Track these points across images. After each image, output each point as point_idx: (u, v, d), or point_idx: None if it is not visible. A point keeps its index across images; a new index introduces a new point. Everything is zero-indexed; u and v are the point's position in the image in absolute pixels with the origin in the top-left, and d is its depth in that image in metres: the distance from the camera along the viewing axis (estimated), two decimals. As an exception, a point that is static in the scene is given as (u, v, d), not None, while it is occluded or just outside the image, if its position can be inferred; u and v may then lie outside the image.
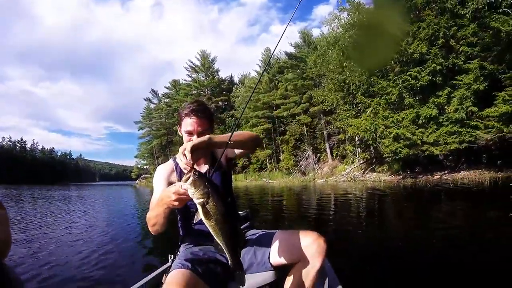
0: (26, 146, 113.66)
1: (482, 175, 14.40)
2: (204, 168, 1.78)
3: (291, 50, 39.98)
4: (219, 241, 1.25)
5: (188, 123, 1.65)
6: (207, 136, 1.44)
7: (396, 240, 4.86)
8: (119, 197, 21.12)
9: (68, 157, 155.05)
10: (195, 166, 1.31)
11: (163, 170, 1.79)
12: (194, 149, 1.32)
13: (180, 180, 1.62)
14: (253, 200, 13.75)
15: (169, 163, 1.84)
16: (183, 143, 1.61)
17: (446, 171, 16.81)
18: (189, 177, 1.17)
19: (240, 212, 2.06)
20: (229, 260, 1.34)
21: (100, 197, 20.22)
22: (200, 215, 1.20)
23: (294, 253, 1.54)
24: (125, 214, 11.13)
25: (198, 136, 1.62)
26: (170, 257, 1.88)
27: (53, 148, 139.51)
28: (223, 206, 1.22)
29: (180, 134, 1.75)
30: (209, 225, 1.22)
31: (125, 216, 10.27)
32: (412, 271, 3.22)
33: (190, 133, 1.66)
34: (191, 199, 1.20)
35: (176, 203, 1.28)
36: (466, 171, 15.75)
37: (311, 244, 1.51)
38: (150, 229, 1.55)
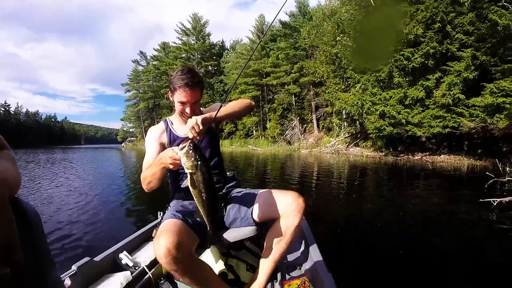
0: (10, 109, 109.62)
1: (461, 161, 14.86)
2: None
3: (286, 18, 39.06)
4: (199, 208, 1.37)
5: (182, 95, 1.75)
6: (211, 114, 1.61)
7: (371, 211, 5.36)
8: (106, 160, 21.04)
9: (53, 120, 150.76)
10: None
11: (154, 132, 1.92)
12: (203, 124, 1.48)
13: (170, 141, 1.89)
14: (238, 166, 14.08)
15: (160, 125, 1.97)
16: (170, 106, 1.89)
17: (427, 153, 17.30)
18: (184, 147, 1.30)
19: (227, 173, 2.16)
20: (207, 225, 1.44)
21: (87, 160, 20.12)
22: (188, 182, 1.31)
23: (275, 210, 1.65)
24: (113, 176, 11.31)
25: (191, 106, 1.79)
26: (160, 213, 1.98)
27: (38, 111, 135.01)
28: (209, 179, 1.33)
29: (171, 100, 1.87)
30: (193, 193, 1.33)
31: (113, 178, 10.44)
32: (382, 240, 3.63)
33: (183, 103, 1.78)
34: None
35: (171, 166, 1.41)
36: (447, 155, 16.20)
37: (291, 203, 1.61)
38: (144, 187, 1.67)
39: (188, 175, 1.31)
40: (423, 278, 2.62)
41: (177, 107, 1.82)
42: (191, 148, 1.30)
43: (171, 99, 1.87)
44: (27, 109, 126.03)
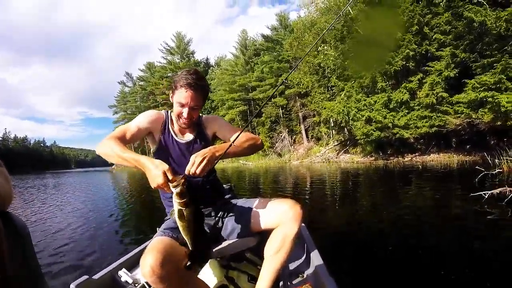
0: None
1: (451, 158, 15.04)
2: (189, 137, 1.85)
3: (268, 32, 39.82)
4: (184, 237, 1.39)
5: (182, 96, 1.65)
6: (218, 152, 1.51)
7: (366, 215, 5.26)
8: (99, 183, 20.88)
9: (42, 145, 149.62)
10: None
11: (154, 116, 1.83)
12: (208, 164, 1.43)
13: (162, 131, 1.81)
14: (231, 181, 13.89)
15: (162, 114, 1.88)
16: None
17: (417, 154, 17.49)
18: (178, 186, 1.27)
19: (224, 185, 2.14)
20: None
21: (79, 184, 19.92)
22: (175, 214, 1.32)
23: (273, 218, 1.62)
24: (108, 196, 11.28)
25: (190, 110, 1.68)
26: (158, 229, 1.90)
27: (26, 136, 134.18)
28: (196, 217, 1.38)
29: (171, 101, 1.77)
30: (179, 225, 1.35)
31: (109, 198, 10.41)
32: (379, 242, 3.55)
33: (182, 105, 1.67)
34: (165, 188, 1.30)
35: (152, 186, 1.31)
36: (436, 154, 16.41)
37: (288, 210, 1.57)
38: (99, 152, 1.55)
39: (177, 210, 1.31)
40: (422, 277, 2.57)
41: (175, 108, 1.72)
42: (185, 188, 1.28)
43: (171, 99, 1.77)
44: (15, 135, 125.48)
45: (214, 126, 1.91)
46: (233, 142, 1.59)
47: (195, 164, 1.40)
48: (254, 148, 1.77)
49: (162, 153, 1.79)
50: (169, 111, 1.91)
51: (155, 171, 1.29)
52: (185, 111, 1.68)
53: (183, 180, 1.28)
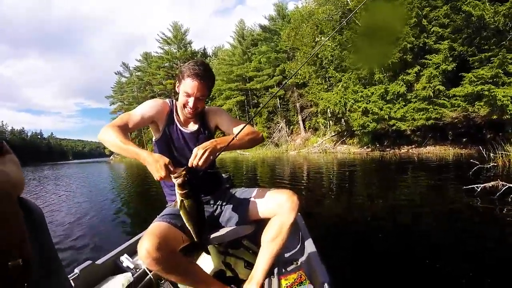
0: None
1: (447, 151, 15.11)
2: (194, 127, 1.87)
3: (265, 22, 39.43)
4: (187, 225, 1.43)
5: (189, 86, 1.68)
6: (219, 145, 1.53)
7: (361, 205, 5.40)
8: (98, 174, 20.95)
9: (39, 136, 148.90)
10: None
11: (159, 105, 1.82)
12: (209, 156, 1.46)
13: (167, 121, 1.82)
14: (228, 171, 14.01)
15: (167, 103, 1.88)
16: None
17: (413, 146, 17.57)
18: (179, 177, 1.33)
19: (223, 175, 2.17)
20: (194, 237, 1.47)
21: (79, 174, 20.03)
22: (178, 204, 1.38)
23: (270, 208, 1.68)
24: (108, 186, 11.58)
25: (195, 100, 1.71)
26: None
27: (23, 128, 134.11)
28: (197, 207, 1.41)
29: (177, 90, 1.79)
30: (182, 214, 1.40)
31: (109, 188, 10.71)
32: (372, 232, 3.64)
33: (188, 95, 1.70)
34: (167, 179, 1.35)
35: (155, 177, 1.35)
36: (432, 146, 16.48)
37: (286, 200, 1.62)
38: (100, 138, 1.54)
39: (179, 200, 1.37)
40: (412, 267, 2.65)
41: (181, 97, 1.75)
42: (187, 178, 1.34)
43: (177, 89, 1.80)
44: (12, 127, 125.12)
45: (217, 118, 1.93)
46: (235, 136, 1.62)
47: (197, 156, 1.44)
48: (254, 142, 1.80)
49: (164, 142, 1.82)
50: (174, 100, 1.92)
51: (157, 164, 1.34)
52: (191, 100, 1.71)
53: (184, 172, 1.34)
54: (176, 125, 1.84)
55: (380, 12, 16.81)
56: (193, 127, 1.87)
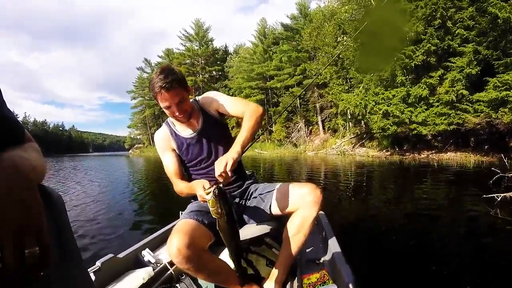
0: (18, 119, 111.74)
1: (468, 157, 14.64)
2: (197, 126, 1.88)
3: (287, 21, 39.25)
4: (226, 246, 1.45)
5: (163, 100, 1.65)
6: (237, 152, 1.52)
7: (380, 207, 5.46)
8: (119, 167, 21.42)
9: (61, 128, 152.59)
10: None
11: (162, 139, 1.92)
12: (232, 168, 1.45)
13: (178, 145, 1.88)
14: (247, 169, 14.12)
15: (164, 130, 1.94)
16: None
17: (433, 151, 17.09)
18: (209, 193, 1.34)
19: (247, 172, 2.16)
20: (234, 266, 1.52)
21: (100, 167, 20.55)
22: (217, 225, 1.39)
23: (292, 203, 1.65)
24: (130, 180, 11.91)
25: (177, 107, 1.68)
26: (181, 213, 1.96)
27: (45, 120, 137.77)
28: (231, 225, 1.39)
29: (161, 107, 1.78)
30: (220, 233, 1.40)
31: (130, 183, 11.02)
32: (392, 234, 3.74)
33: (168, 107, 1.68)
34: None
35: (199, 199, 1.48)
36: (453, 153, 15.98)
37: (308, 194, 1.60)
38: (179, 193, 1.80)
39: (217, 219, 1.39)
40: (429, 271, 2.69)
41: (166, 112, 1.75)
42: (216, 195, 1.33)
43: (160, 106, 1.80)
44: (34, 118, 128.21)
45: (214, 104, 1.91)
46: (245, 135, 1.64)
47: (220, 170, 1.43)
48: (260, 121, 1.77)
49: (186, 157, 1.90)
50: (168, 120, 1.97)
51: (197, 186, 1.47)
52: (174, 110, 1.69)
53: (213, 188, 1.34)
54: (181, 137, 1.90)
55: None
56: (196, 126, 1.89)
